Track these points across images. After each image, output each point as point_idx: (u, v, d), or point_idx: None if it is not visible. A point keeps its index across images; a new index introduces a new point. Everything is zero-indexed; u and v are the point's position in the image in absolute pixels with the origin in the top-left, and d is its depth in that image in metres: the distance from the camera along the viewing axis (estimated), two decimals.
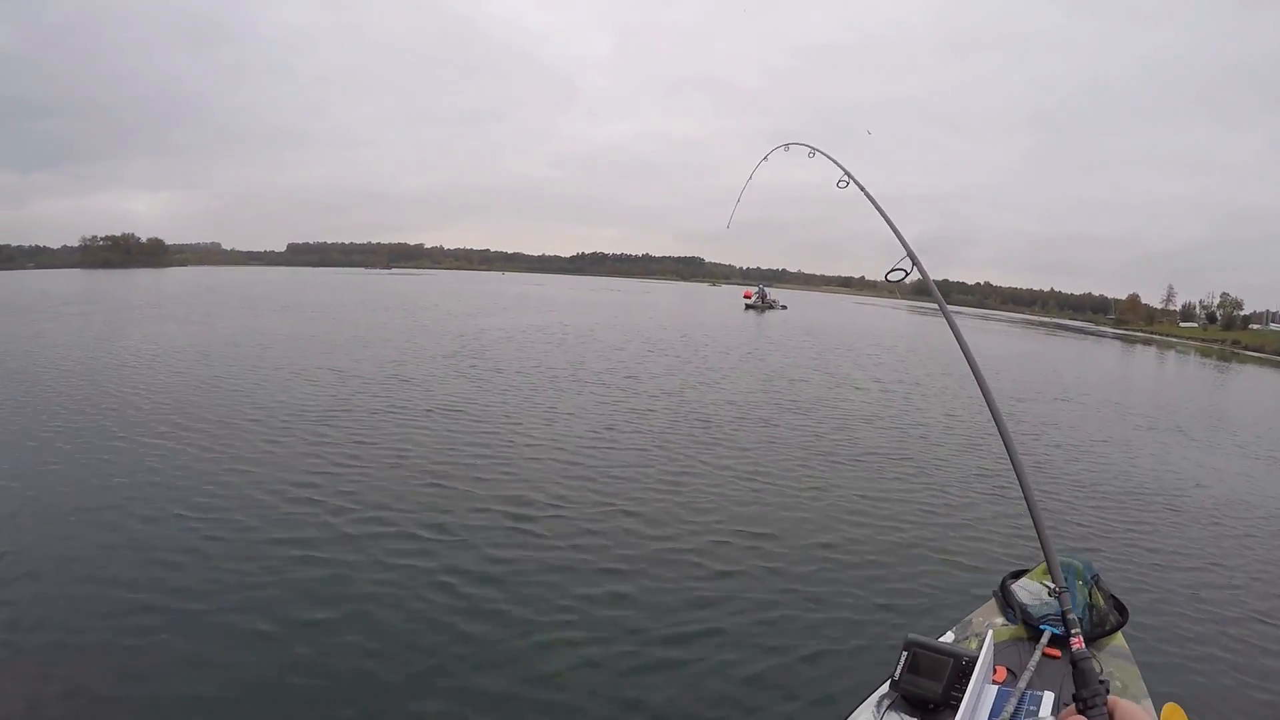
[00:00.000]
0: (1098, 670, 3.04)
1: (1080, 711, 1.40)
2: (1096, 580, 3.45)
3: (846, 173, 3.94)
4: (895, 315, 72.31)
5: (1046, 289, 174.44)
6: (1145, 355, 49.89)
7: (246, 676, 4.03)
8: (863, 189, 3.89)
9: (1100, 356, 42.10)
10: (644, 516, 6.93)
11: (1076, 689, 1.46)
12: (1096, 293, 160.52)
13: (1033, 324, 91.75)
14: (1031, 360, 31.59)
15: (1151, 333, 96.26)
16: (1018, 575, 3.61)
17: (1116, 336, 79.47)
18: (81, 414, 10.07)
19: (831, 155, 4.21)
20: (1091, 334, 77.86)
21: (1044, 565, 3.53)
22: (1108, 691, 1.44)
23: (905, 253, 3.15)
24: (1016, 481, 2.03)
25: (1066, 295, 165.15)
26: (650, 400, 13.09)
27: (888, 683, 2.70)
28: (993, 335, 51.12)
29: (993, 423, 2.10)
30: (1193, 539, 7.67)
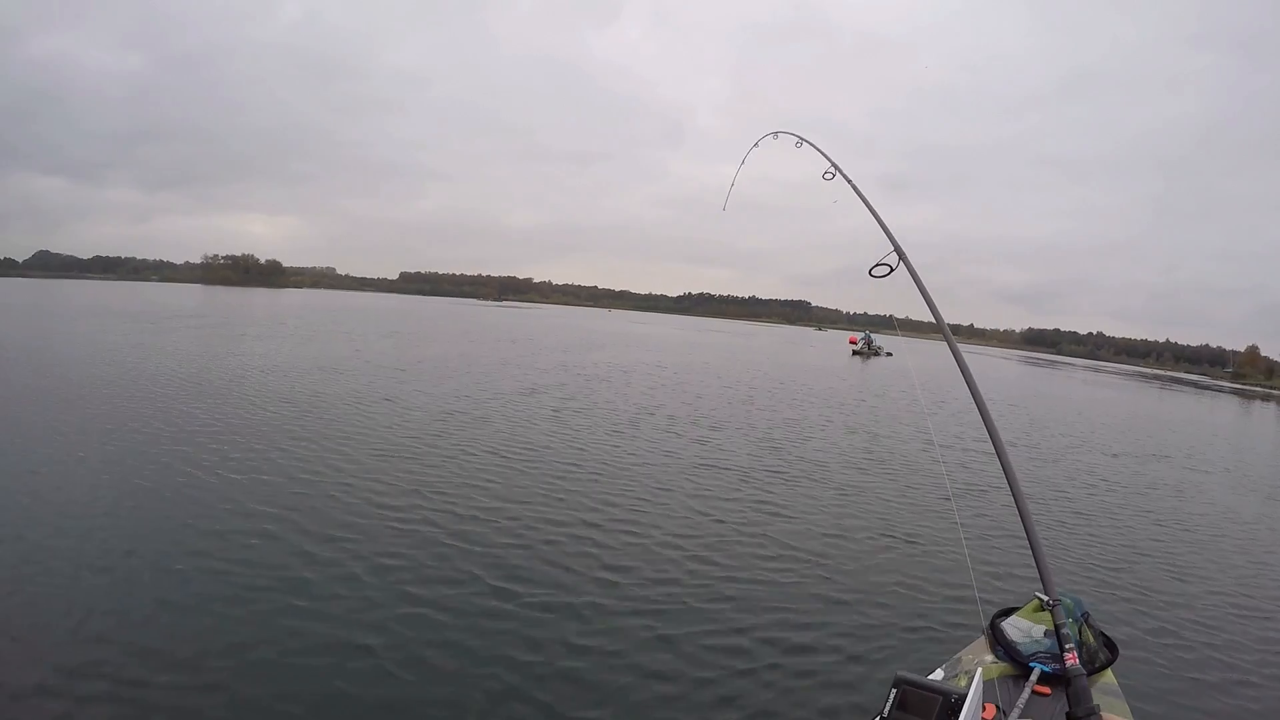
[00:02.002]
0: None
1: None
2: (1086, 618, 3.33)
3: (833, 164, 3.79)
4: (1006, 365, 69.09)
5: (1161, 340, 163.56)
6: (1263, 413, 45.52)
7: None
8: (849, 180, 3.74)
9: (1214, 413, 38.81)
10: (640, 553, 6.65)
11: (1070, 707, 1.27)
12: (1214, 345, 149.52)
13: (1146, 377, 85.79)
14: (1142, 416, 29.68)
15: (1270, 387, 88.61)
16: (1008, 613, 3.50)
17: (1233, 391, 73.21)
18: (119, 423, 10.25)
19: (818, 146, 4.11)
20: (1207, 388, 72.24)
21: (1035, 603, 3.47)
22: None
23: (891, 247, 2.94)
24: (1010, 522, 2.02)
25: (1182, 347, 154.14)
26: (723, 454, 11.49)
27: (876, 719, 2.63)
28: (1104, 389, 47.98)
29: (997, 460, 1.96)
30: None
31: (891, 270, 2.82)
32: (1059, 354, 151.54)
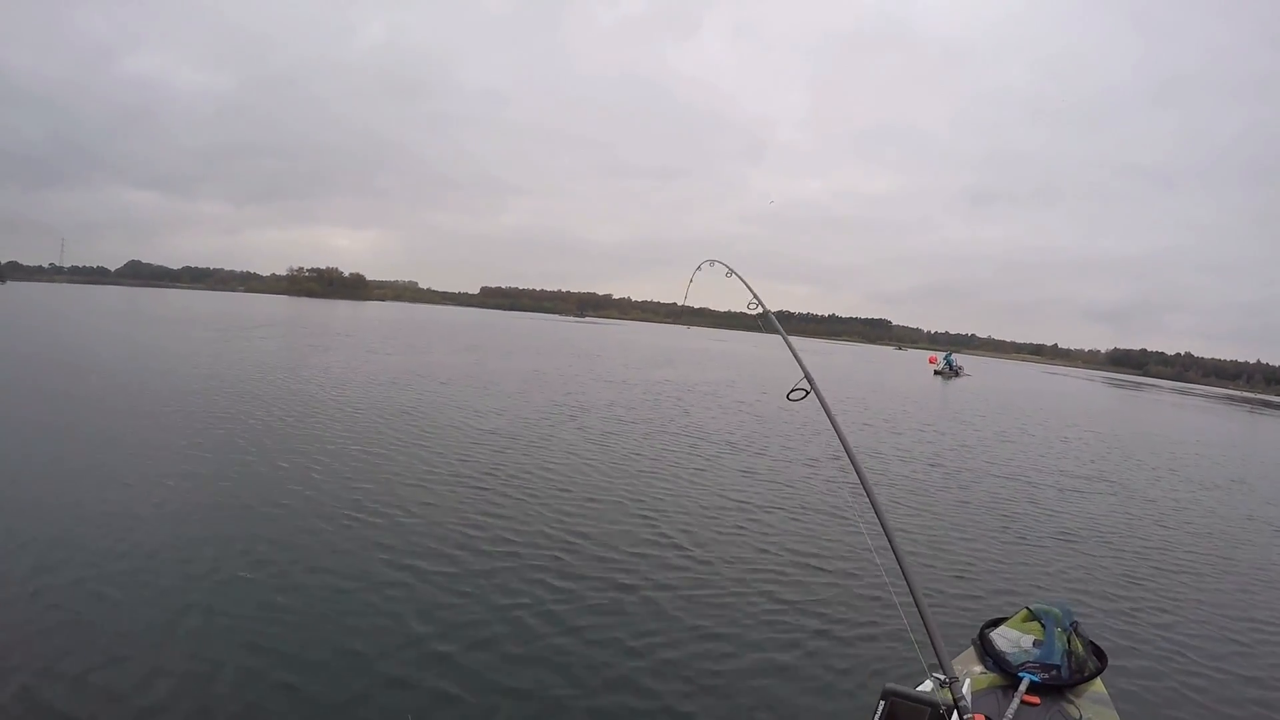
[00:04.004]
0: (1077, 715, 3.18)
1: None
2: (1075, 627, 3.35)
3: (756, 297, 4.01)
4: (1091, 387, 65.59)
5: (1253, 361, 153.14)
6: None
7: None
8: (770, 316, 3.98)
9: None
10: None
11: None
12: None
13: (1234, 400, 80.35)
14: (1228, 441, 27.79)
15: None
16: (996, 623, 3.51)
17: None
18: (142, 428, 10.45)
19: (745, 279, 4.35)
20: None
21: (1023, 612, 3.52)
22: None
23: (803, 374, 3.40)
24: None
25: (1274, 369, 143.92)
26: (761, 482, 10.71)
27: None
28: (1188, 412, 45.05)
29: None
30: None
31: (806, 394, 3.31)
32: (1145, 375, 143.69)
